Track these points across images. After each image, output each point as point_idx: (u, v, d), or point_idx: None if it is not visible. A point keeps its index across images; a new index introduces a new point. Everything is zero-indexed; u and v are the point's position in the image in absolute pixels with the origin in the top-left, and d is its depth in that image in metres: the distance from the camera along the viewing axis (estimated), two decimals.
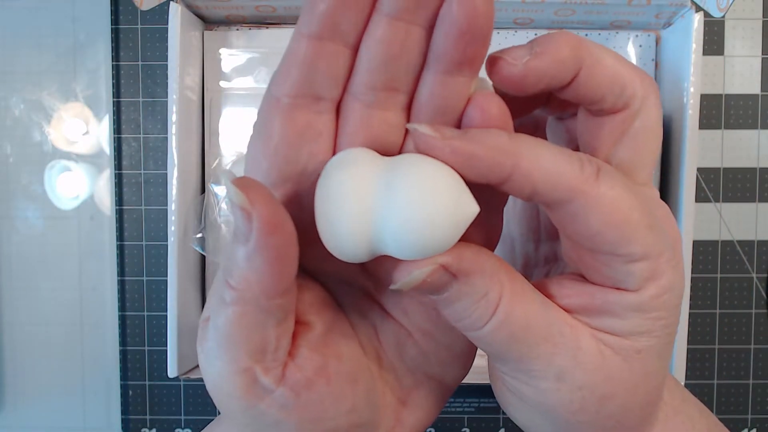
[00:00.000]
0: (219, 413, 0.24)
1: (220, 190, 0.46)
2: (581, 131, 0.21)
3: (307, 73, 0.17)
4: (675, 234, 0.19)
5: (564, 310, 0.19)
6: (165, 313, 0.47)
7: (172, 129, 0.42)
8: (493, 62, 0.18)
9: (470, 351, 0.23)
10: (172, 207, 0.42)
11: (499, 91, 0.19)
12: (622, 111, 0.19)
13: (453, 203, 0.16)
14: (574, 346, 0.19)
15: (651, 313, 0.19)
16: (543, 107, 0.22)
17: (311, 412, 0.19)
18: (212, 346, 0.18)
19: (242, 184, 0.16)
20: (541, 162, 0.17)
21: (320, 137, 0.18)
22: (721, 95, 0.48)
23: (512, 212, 0.25)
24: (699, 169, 0.48)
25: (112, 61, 0.49)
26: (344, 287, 0.22)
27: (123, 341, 0.49)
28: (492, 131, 0.17)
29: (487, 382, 0.44)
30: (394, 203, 0.16)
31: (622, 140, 0.20)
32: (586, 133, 0.20)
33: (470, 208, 0.17)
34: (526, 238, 0.25)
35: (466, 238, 0.18)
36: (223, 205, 0.46)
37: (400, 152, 0.19)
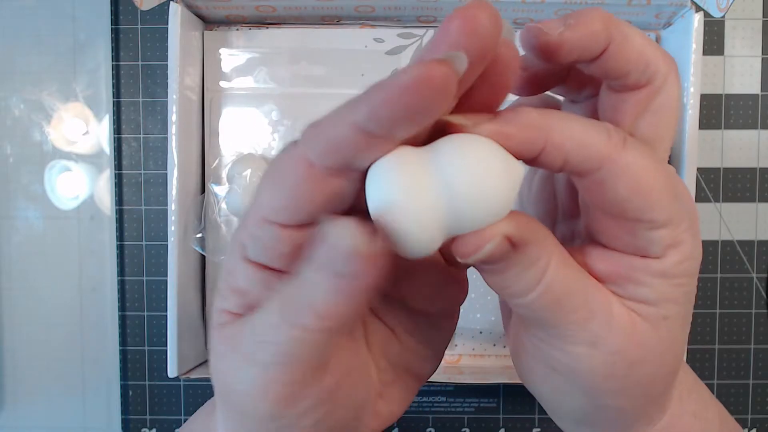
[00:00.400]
0: (212, 405, 0.24)
1: (220, 190, 0.46)
2: (604, 107, 0.22)
3: (352, 155, 0.17)
4: (692, 205, 0.20)
5: (594, 277, 0.20)
6: (165, 313, 0.47)
7: (172, 129, 0.42)
8: (529, 31, 0.20)
9: (445, 344, 0.24)
10: (172, 207, 0.42)
11: (526, 63, 0.21)
12: (645, 87, 0.20)
13: (504, 168, 0.17)
14: (608, 312, 0.19)
15: (674, 280, 0.19)
16: (561, 85, 0.24)
17: (337, 401, 0.20)
18: (263, 359, 0.18)
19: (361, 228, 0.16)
20: (571, 133, 0.18)
21: (344, 202, 0.19)
22: (721, 95, 0.48)
23: (527, 195, 0.27)
24: (699, 169, 0.48)
25: (112, 61, 0.49)
26: None
27: (123, 341, 0.49)
28: (521, 110, 0.18)
29: (487, 382, 0.44)
30: (454, 184, 0.17)
31: (644, 116, 0.21)
32: (609, 109, 0.21)
33: (518, 168, 0.18)
34: (543, 219, 0.26)
35: None
36: (223, 205, 0.46)
37: None
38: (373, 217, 0.17)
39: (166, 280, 0.42)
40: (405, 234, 0.17)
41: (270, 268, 0.20)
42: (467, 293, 0.23)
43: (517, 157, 0.18)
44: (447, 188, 0.17)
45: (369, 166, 0.18)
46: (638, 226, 0.19)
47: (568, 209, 0.25)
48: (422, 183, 0.17)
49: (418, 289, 0.22)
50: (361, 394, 0.21)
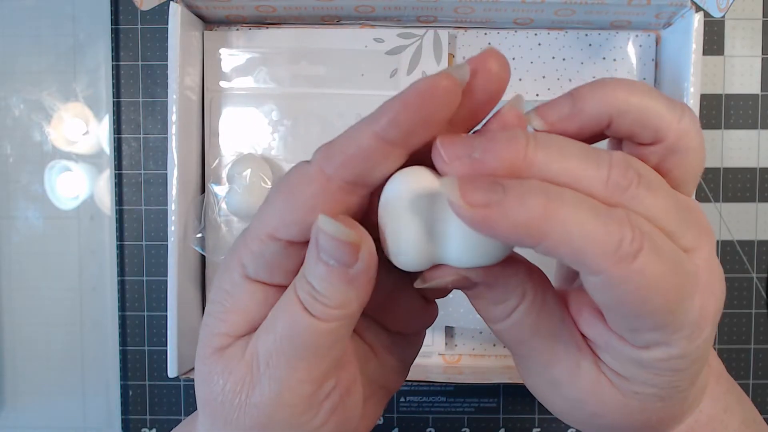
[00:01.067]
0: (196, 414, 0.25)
1: (220, 190, 0.46)
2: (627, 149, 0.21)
3: (371, 166, 0.19)
4: (711, 300, 0.19)
5: (580, 332, 0.21)
6: (165, 313, 0.47)
7: (172, 129, 0.42)
8: (540, 113, 0.20)
9: (413, 359, 0.26)
10: (172, 207, 0.42)
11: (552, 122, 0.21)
12: (658, 143, 0.20)
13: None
14: (574, 364, 0.20)
15: (652, 370, 0.19)
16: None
17: (343, 414, 0.21)
18: (287, 357, 0.20)
19: (348, 223, 0.19)
20: (572, 237, 0.16)
21: (351, 213, 0.20)
22: (721, 95, 0.48)
23: None
24: None
25: (112, 61, 0.49)
26: None
27: (123, 341, 0.49)
28: (529, 196, 0.16)
29: (487, 382, 0.44)
30: (455, 226, 0.18)
31: (668, 158, 0.20)
32: (633, 154, 0.21)
33: None
34: None
35: None
36: (223, 205, 0.46)
37: None
38: (379, 224, 0.20)
39: (166, 280, 0.42)
40: (395, 246, 0.19)
41: (271, 285, 0.21)
42: (436, 317, 0.26)
43: (514, 244, 0.18)
44: (450, 227, 0.19)
45: (381, 184, 0.20)
46: (626, 324, 0.19)
47: None
48: (427, 211, 0.19)
49: (398, 314, 0.24)
50: (358, 412, 0.23)
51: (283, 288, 0.20)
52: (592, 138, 0.21)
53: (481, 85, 0.18)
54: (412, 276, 0.22)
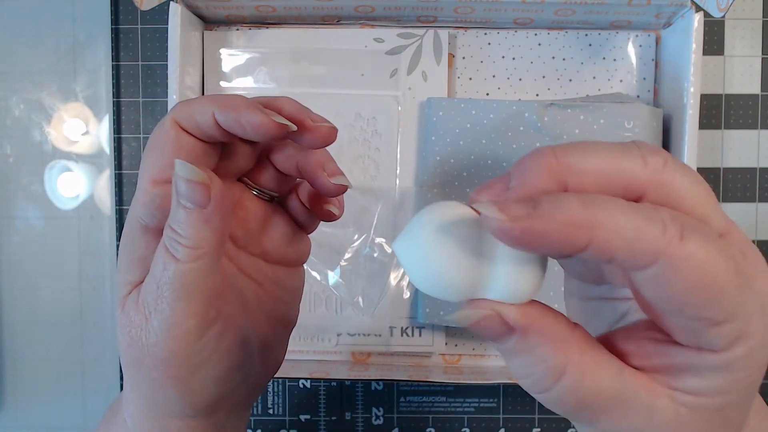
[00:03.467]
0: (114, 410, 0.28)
1: None
2: None
3: (201, 120, 0.24)
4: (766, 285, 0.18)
5: (639, 369, 0.19)
6: None
7: None
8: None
9: (300, 293, 0.30)
10: None
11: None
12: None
13: (542, 264, 0.19)
14: (649, 407, 0.18)
15: (737, 372, 0.18)
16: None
17: (232, 339, 0.25)
18: (167, 300, 0.23)
19: (199, 167, 0.22)
20: (619, 230, 0.16)
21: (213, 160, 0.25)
22: (721, 95, 0.48)
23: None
24: (699, 169, 0.48)
25: (112, 61, 0.49)
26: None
27: None
28: (563, 199, 0.17)
29: (487, 382, 0.44)
30: (494, 270, 0.19)
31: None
32: None
33: (544, 263, 0.19)
34: (583, 275, 0.24)
35: None
36: None
37: None
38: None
39: None
40: (433, 283, 0.19)
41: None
42: (310, 251, 0.30)
43: (559, 255, 0.17)
44: (489, 269, 0.19)
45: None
46: (699, 324, 0.17)
47: (619, 282, 0.23)
48: (468, 250, 0.19)
49: (273, 242, 0.28)
50: (250, 338, 0.26)
51: None
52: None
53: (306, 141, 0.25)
54: (281, 206, 0.29)
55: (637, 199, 0.18)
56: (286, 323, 0.30)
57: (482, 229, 0.18)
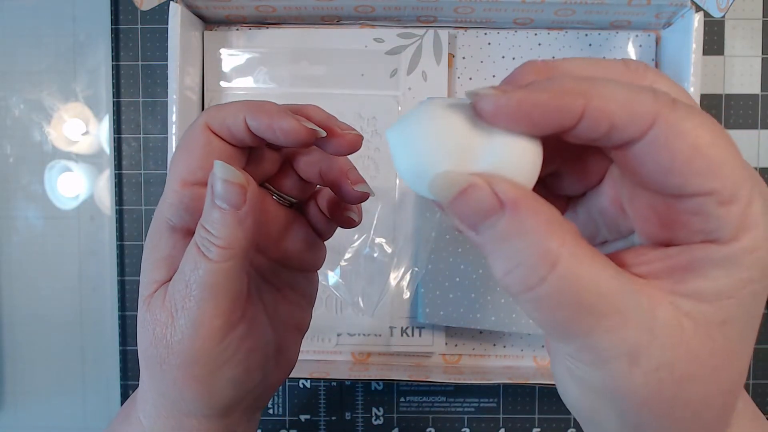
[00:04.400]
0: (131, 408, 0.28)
1: None
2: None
3: (235, 123, 0.24)
4: (763, 184, 0.17)
5: (641, 278, 0.17)
6: None
7: (172, 129, 0.42)
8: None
9: (314, 297, 0.31)
10: None
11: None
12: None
13: (534, 150, 0.18)
14: (650, 317, 0.17)
15: (741, 271, 0.17)
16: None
17: (253, 341, 0.25)
18: (196, 299, 0.23)
19: (233, 167, 0.23)
20: (613, 95, 0.16)
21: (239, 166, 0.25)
22: (721, 95, 0.48)
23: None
24: None
25: (112, 61, 0.49)
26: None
27: (123, 341, 0.49)
28: (555, 77, 0.17)
29: (488, 382, 0.44)
30: (486, 156, 0.17)
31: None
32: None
33: (539, 153, 0.18)
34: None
35: None
36: None
37: None
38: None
39: None
40: (419, 169, 0.18)
41: (193, 233, 0.24)
42: (326, 256, 0.30)
43: (558, 128, 0.17)
44: (483, 151, 0.18)
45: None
46: (705, 201, 0.16)
47: (615, 230, 0.22)
48: (461, 134, 0.18)
49: (292, 247, 0.28)
50: (268, 342, 0.27)
51: None
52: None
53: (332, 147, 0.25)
54: (300, 213, 0.29)
55: None
56: (301, 327, 0.30)
57: (476, 117, 0.18)
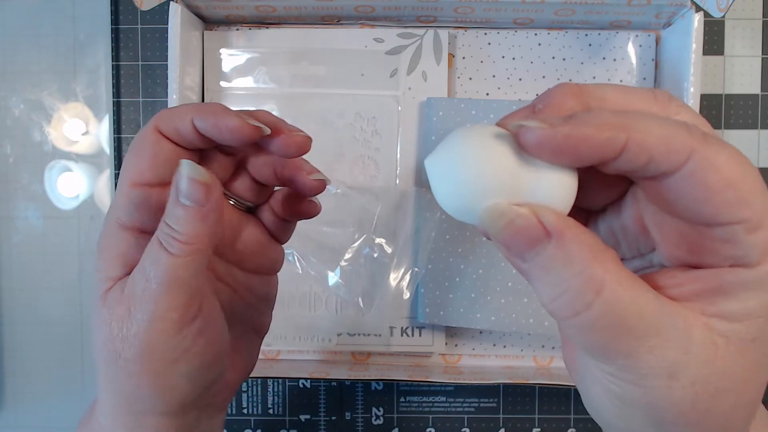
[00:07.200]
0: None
1: None
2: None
3: (182, 124, 0.25)
4: None
5: (673, 299, 0.19)
6: None
7: None
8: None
9: (273, 301, 0.31)
10: None
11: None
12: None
13: (572, 180, 0.19)
14: (686, 337, 0.18)
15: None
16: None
17: (209, 337, 0.25)
18: (155, 293, 0.23)
19: (200, 166, 0.23)
20: (652, 130, 0.17)
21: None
22: (721, 95, 0.48)
23: None
24: None
25: (112, 61, 0.49)
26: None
27: None
28: (596, 111, 0.18)
29: (487, 382, 0.44)
30: (527, 185, 0.18)
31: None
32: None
33: (575, 182, 0.19)
34: None
35: None
36: None
37: None
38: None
39: None
40: (464, 197, 0.19)
41: (143, 231, 0.25)
42: (284, 260, 0.31)
43: (599, 159, 0.18)
44: (527, 185, 0.19)
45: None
46: (734, 229, 0.17)
47: (635, 247, 0.23)
48: (497, 153, 0.19)
49: (248, 251, 0.29)
50: (224, 339, 0.27)
51: (151, 234, 0.24)
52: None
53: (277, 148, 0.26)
54: (257, 219, 0.29)
55: None
56: (258, 329, 0.31)
57: (517, 147, 0.18)
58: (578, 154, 0.18)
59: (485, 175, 0.18)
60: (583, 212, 0.23)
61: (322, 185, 0.27)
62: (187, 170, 0.23)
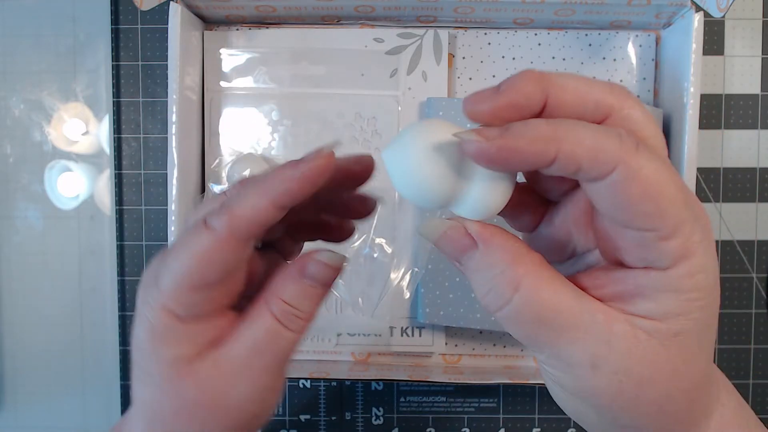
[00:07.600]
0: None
1: (220, 190, 0.46)
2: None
3: (263, 227, 0.23)
4: (706, 218, 0.20)
5: (598, 300, 0.20)
6: None
7: (172, 129, 0.42)
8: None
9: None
10: (172, 207, 0.42)
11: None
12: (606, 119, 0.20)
13: (507, 182, 0.21)
14: (607, 331, 0.20)
15: (684, 294, 0.19)
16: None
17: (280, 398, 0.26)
18: (264, 367, 0.23)
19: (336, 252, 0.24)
20: (582, 141, 0.18)
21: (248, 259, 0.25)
22: (721, 95, 0.48)
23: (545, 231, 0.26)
24: (699, 169, 0.48)
25: (112, 61, 0.49)
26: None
27: (123, 341, 0.49)
28: (531, 122, 0.19)
29: (487, 382, 0.44)
30: (467, 187, 0.21)
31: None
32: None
33: (511, 183, 0.21)
34: (557, 253, 0.25)
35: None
36: None
37: None
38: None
39: None
40: (416, 186, 0.21)
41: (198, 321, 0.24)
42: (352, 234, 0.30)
43: (532, 168, 0.19)
44: (469, 182, 0.21)
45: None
46: (647, 236, 0.19)
47: (584, 244, 0.24)
48: (452, 159, 0.20)
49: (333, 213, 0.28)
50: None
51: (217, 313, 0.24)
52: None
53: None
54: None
55: (601, 120, 0.20)
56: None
57: (461, 153, 0.20)
58: (510, 164, 0.19)
59: (432, 175, 0.20)
60: (545, 202, 0.24)
61: (371, 202, 0.28)
62: (328, 259, 0.24)
